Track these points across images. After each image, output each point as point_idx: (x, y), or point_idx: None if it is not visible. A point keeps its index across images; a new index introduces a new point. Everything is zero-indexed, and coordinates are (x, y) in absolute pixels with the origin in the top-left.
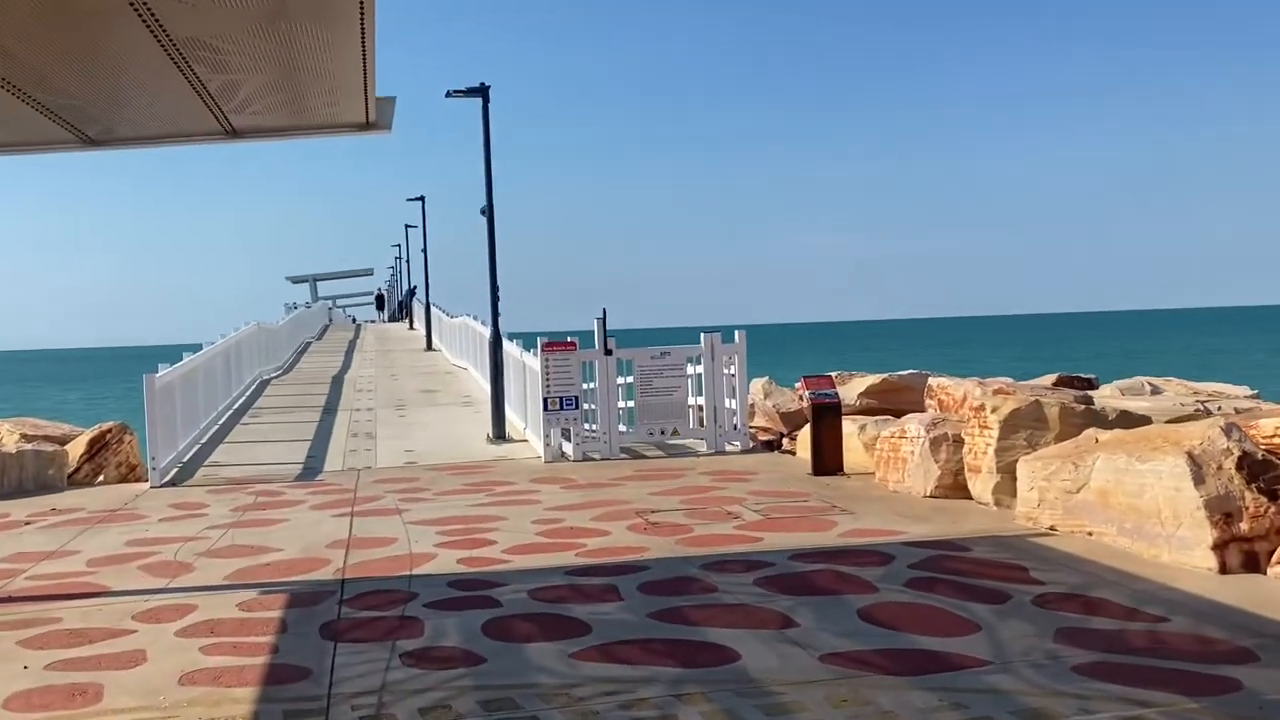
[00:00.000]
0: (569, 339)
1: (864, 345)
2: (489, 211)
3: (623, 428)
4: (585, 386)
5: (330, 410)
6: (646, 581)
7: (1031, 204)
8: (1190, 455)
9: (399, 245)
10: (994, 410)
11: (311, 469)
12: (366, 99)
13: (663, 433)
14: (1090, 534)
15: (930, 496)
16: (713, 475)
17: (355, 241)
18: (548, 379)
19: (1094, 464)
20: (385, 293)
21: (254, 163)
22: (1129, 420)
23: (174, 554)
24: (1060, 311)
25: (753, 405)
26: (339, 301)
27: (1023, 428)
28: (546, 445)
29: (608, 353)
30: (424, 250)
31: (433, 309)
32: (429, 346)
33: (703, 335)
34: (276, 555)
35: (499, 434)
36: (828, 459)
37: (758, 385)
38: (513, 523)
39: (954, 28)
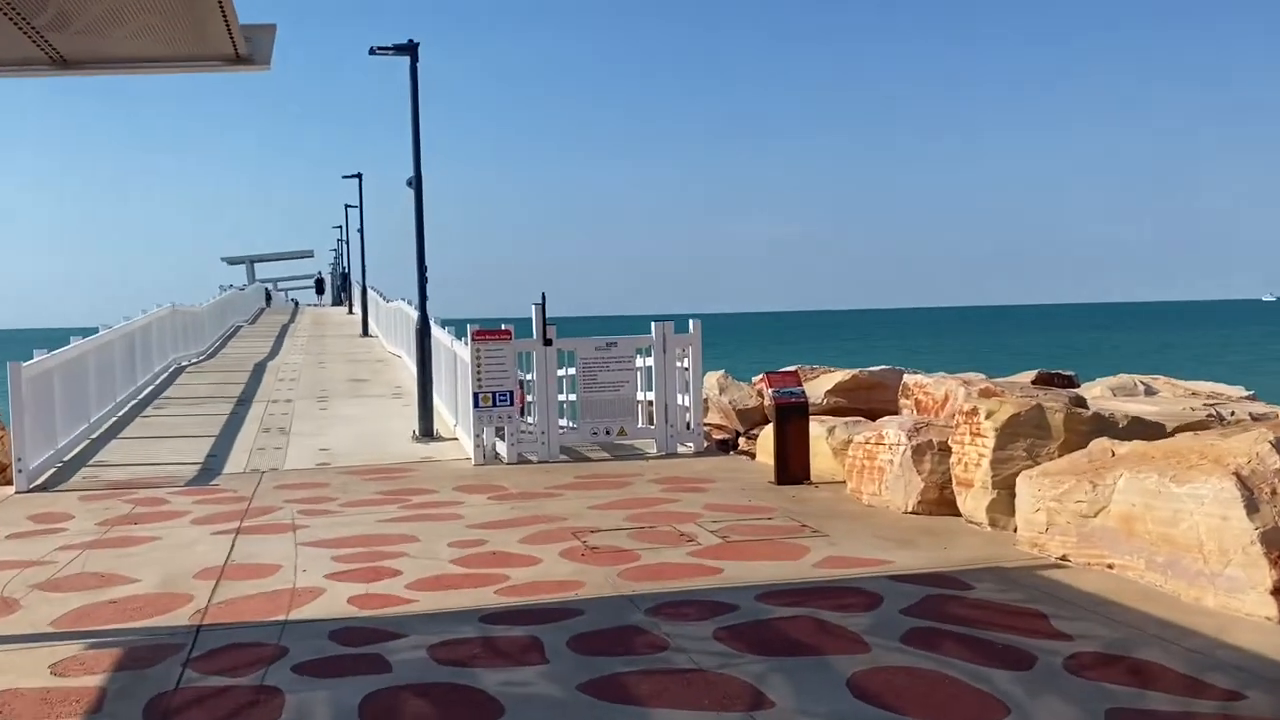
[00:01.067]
0: (503, 326)
1: (806, 336)
2: (416, 183)
3: (565, 423)
4: (523, 379)
5: (245, 401)
6: (580, 633)
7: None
8: (1239, 477)
9: (340, 226)
10: (989, 415)
11: (209, 470)
12: (228, 24)
13: (608, 432)
14: (1111, 566)
15: (912, 513)
16: (663, 483)
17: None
18: (478, 371)
19: (1116, 483)
20: (325, 276)
21: (197, 140)
22: (1142, 428)
23: (1, 586)
24: (970, 305)
25: (707, 401)
26: (281, 285)
27: (1022, 436)
28: (477, 446)
29: (547, 343)
30: (360, 231)
31: (370, 292)
32: (365, 332)
33: (653, 324)
34: (129, 588)
35: (426, 431)
36: (793, 466)
37: (712, 379)
38: (426, 545)
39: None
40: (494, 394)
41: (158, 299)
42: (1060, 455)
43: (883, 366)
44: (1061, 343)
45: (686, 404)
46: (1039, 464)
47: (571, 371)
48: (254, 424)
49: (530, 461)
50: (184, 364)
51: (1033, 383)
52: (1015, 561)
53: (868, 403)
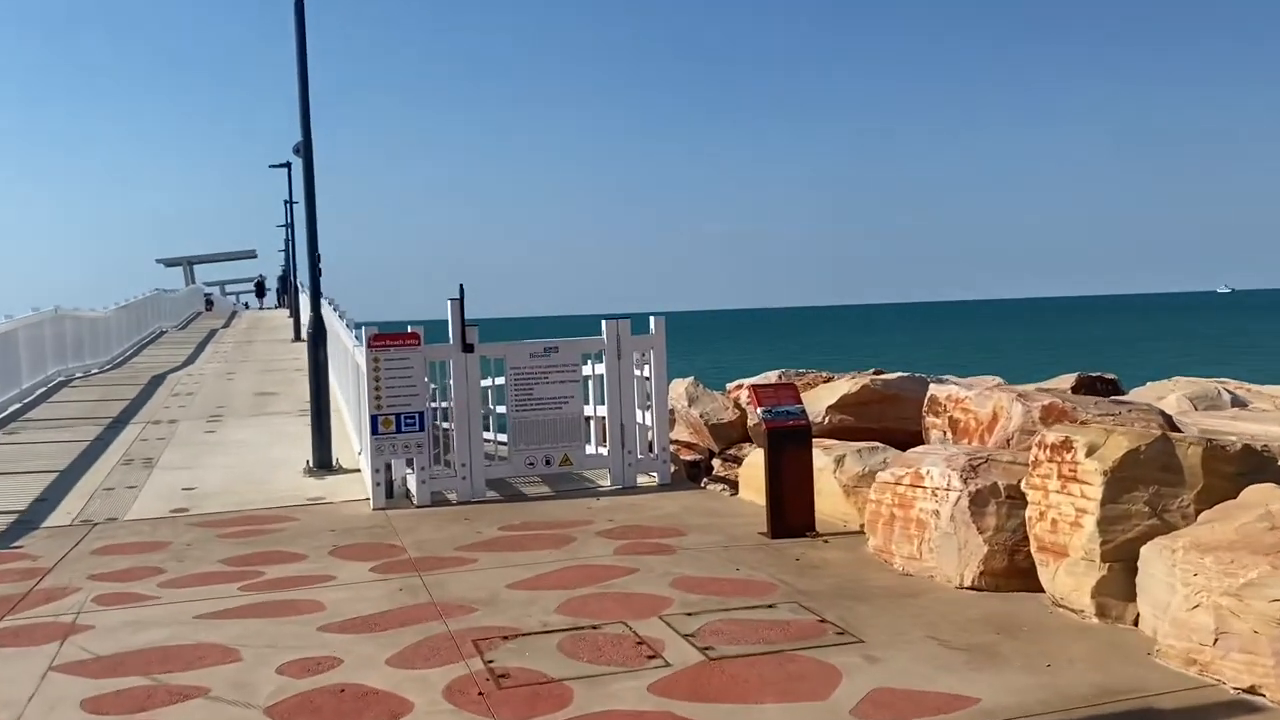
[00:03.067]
0: (410, 330)
1: (762, 335)
2: (305, 149)
3: (492, 441)
4: (441, 401)
5: (121, 423)
6: None
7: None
8: None
9: (286, 225)
10: (1091, 452)
11: (25, 523)
12: None
13: (548, 462)
14: None
15: (972, 588)
16: (618, 537)
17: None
18: (377, 387)
19: None
20: (266, 277)
21: (138, 133)
22: None
23: None
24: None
25: (673, 414)
26: (229, 288)
27: (1143, 482)
28: (376, 484)
29: (467, 348)
30: (288, 225)
31: (301, 294)
32: (297, 336)
33: (605, 323)
34: None
35: (322, 462)
36: (792, 513)
37: (680, 389)
38: (246, 670)
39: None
40: (398, 416)
41: (88, 300)
42: (1197, 510)
43: (899, 374)
44: (1043, 339)
45: (649, 423)
46: (1168, 522)
47: (501, 381)
48: (117, 453)
49: (448, 502)
50: (76, 376)
51: (1073, 389)
52: (1172, 694)
53: (881, 421)
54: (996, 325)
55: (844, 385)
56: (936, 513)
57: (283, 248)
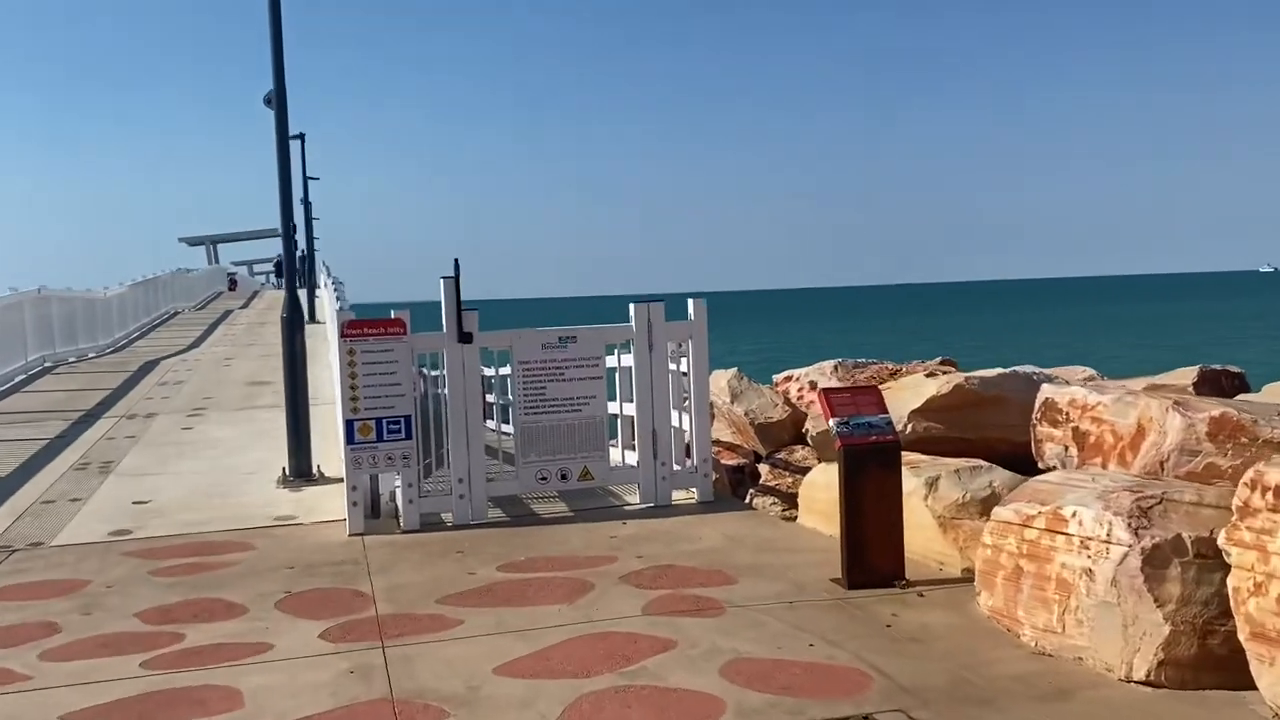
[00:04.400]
0: (394, 315)
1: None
2: (278, 100)
3: (501, 439)
4: (441, 393)
5: (94, 417)
6: None
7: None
8: None
9: (309, 202)
10: None
11: None
12: None
13: (563, 477)
14: None
15: (1145, 683)
16: (649, 587)
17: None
18: (354, 386)
19: None
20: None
21: (158, 110)
22: None
23: None
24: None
25: (713, 410)
26: (256, 267)
27: None
28: (353, 504)
29: (464, 338)
30: (305, 200)
31: (319, 274)
32: (311, 318)
33: (633, 307)
34: None
35: (300, 471)
36: (877, 555)
37: (721, 381)
38: None
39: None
40: (379, 421)
41: (109, 282)
42: None
43: (999, 370)
44: (1108, 321)
45: (686, 427)
46: None
47: (506, 370)
48: (74, 455)
49: (443, 525)
50: (70, 361)
51: (1194, 385)
52: None
53: (978, 430)
54: (1040, 306)
55: (930, 385)
56: (1089, 572)
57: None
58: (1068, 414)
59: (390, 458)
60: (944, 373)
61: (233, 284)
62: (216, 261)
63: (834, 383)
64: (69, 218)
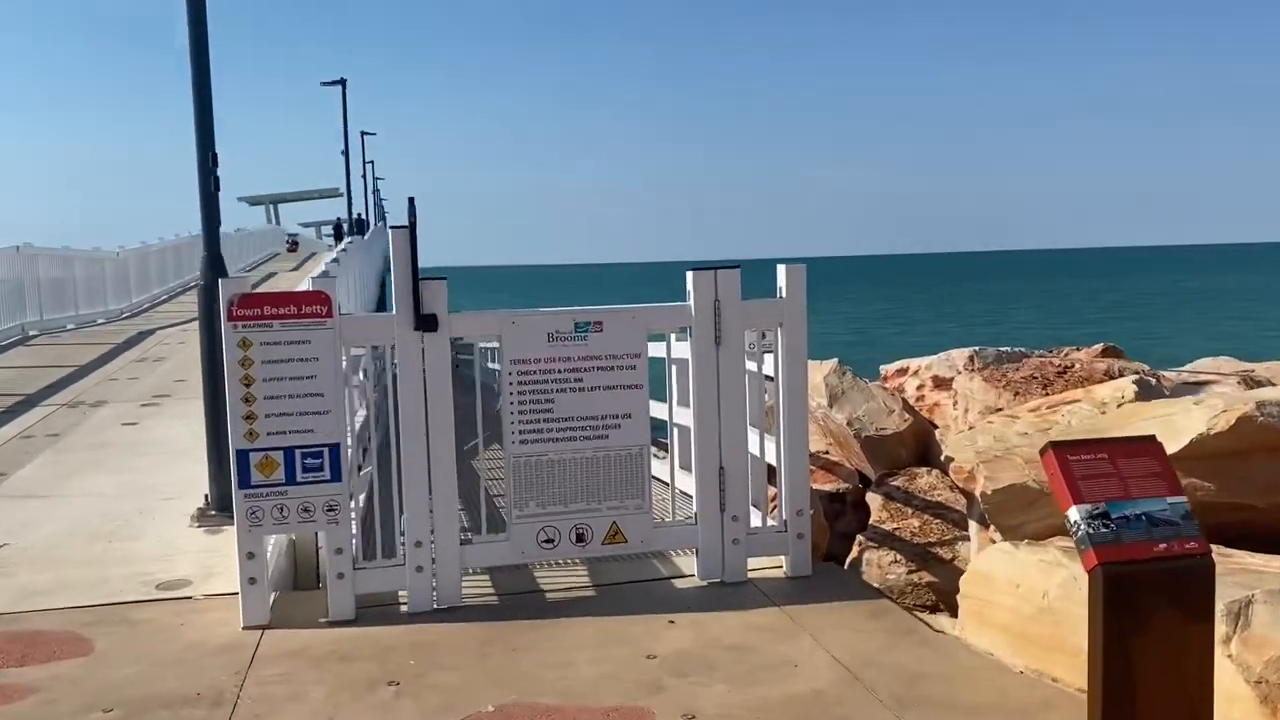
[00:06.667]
0: (314, 290)
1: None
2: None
3: (510, 514)
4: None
5: (30, 404)
6: None
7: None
8: None
9: (371, 162)
10: None
11: None
12: None
13: (580, 538)
14: None
15: None
16: None
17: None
18: (248, 398)
19: None
20: (343, 219)
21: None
22: None
23: None
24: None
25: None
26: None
27: None
28: (248, 581)
29: (424, 323)
30: (344, 152)
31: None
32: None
33: (692, 276)
34: None
35: (224, 501)
36: None
37: (816, 376)
38: None
39: None
40: (289, 453)
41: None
42: None
43: None
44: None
45: (772, 458)
46: None
47: (494, 365)
48: None
49: (396, 612)
50: (65, 328)
51: None
52: None
53: (1271, 493)
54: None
55: (1195, 415)
56: None
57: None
58: None
59: (306, 509)
60: (1142, 375)
61: (293, 245)
62: (276, 222)
63: (974, 381)
64: (135, 178)
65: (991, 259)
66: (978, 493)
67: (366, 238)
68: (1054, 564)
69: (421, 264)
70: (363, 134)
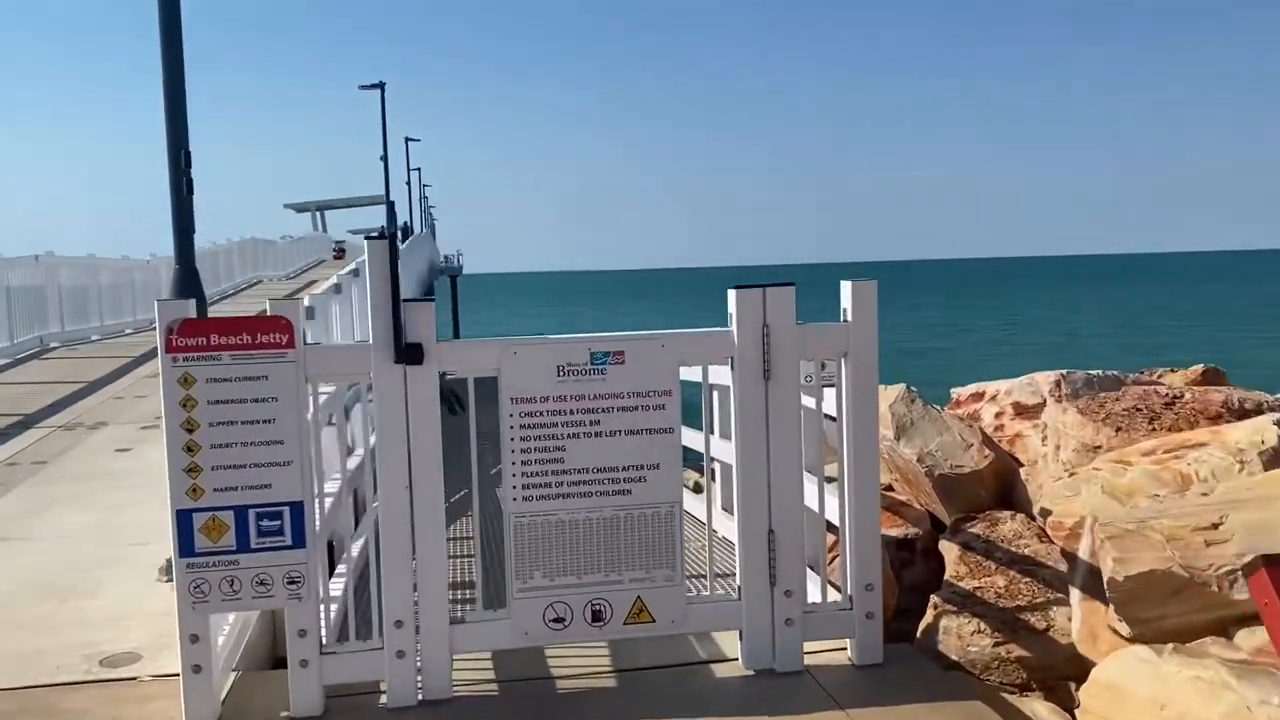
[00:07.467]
0: (273, 315)
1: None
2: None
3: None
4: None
5: (25, 425)
6: None
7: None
8: None
9: (416, 169)
10: None
11: None
12: None
13: (597, 616)
14: None
15: None
16: None
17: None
18: (190, 447)
19: None
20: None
21: (275, 79)
22: None
23: None
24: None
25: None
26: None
27: None
28: (193, 669)
29: (406, 354)
30: (383, 158)
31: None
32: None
33: (734, 295)
34: None
35: None
36: None
37: (882, 404)
38: None
39: None
40: (239, 513)
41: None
42: None
43: None
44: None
45: (833, 517)
46: None
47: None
48: None
49: (372, 704)
50: (89, 339)
51: None
52: None
53: None
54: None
55: None
56: None
57: (423, 195)
58: None
59: (263, 582)
60: (1265, 405)
61: (340, 253)
62: (324, 229)
63: (1068, 414)
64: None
65: (1045, 264)
66: (1105, 578)
67: (405, 245)
68: (1217, 684)
69: (469, 270)
70: (406, 140)
